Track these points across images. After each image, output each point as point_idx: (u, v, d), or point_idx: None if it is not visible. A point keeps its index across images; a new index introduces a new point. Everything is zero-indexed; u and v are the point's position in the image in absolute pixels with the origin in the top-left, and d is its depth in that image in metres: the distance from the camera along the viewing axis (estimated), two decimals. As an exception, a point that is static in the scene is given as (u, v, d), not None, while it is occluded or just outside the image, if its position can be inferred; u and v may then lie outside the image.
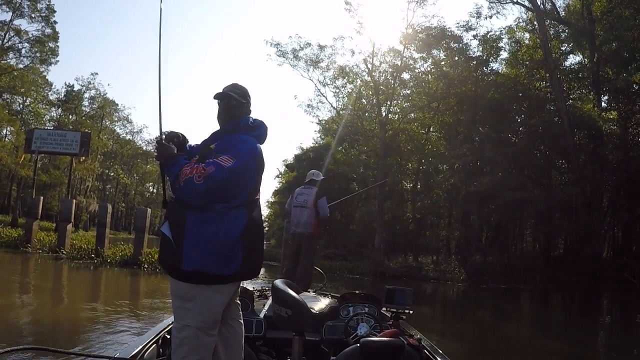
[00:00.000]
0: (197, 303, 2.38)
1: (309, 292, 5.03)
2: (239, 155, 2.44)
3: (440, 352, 3.30)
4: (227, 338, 2.59)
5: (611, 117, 26.27)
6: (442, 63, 31.22)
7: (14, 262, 16.82)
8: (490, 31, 31.39)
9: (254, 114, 2.77)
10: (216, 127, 2.75)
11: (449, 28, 29.51)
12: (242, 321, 2.72)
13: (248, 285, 5.10)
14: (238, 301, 2.73)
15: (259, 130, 2.72)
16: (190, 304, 2.39)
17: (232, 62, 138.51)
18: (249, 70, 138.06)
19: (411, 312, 3.23)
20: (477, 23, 30.43)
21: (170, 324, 3.67)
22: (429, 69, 31.76)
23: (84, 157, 33.55)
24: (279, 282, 2.61)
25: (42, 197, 24.38)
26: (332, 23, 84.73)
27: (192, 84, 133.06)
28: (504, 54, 32.93)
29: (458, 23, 30.11)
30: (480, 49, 31.12)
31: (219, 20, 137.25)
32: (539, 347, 8.65)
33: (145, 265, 17.41)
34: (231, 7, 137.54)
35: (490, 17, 30.30)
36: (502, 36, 31.75)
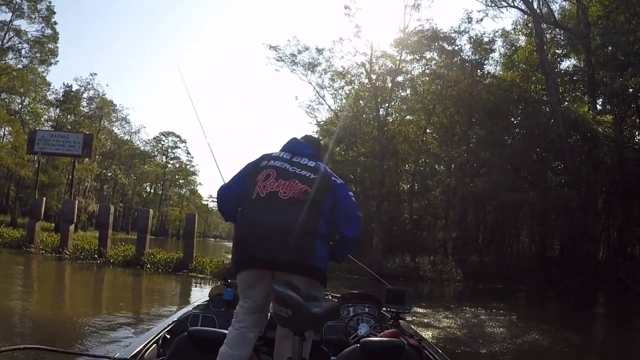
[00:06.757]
0: None
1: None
2: None
3: (440, 352, 3.32)
4: None
5: (606, 120, 26.50)
6: (440, 65, 31.42)
7: (18, 262, 16.95)
8: (483, 33, 31.80)
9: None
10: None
11: (441, 30, 29.83)
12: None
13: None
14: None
15: None
16: None
17: (232, 64, 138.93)
18: (249, 73, 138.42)
19: (410, 311, 3.36)
20: (470, 27, 30.80)
21: (170, 324, 3.77)
22: (423, 70, 32.04)
23: (86, 159, 33.57)
24: (277, 282, 2.60)
25: (44, 198, 24.51)
26: (331, 25, 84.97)
27: (191, 87, 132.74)
28: (496, 55, 33.38)
29: (452, 28, 30.39)
30: (473, 51, 31.49)
31: (218, 24, 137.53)
32: (532, 346, 8.90)
33: (148, 266, 17.61)
34: (231, 10, 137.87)
35: (481, 19, 30.73)
36: (495, 38, 32.15)
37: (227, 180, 3.06)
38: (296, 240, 2.63)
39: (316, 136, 3.22)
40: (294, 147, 2.98)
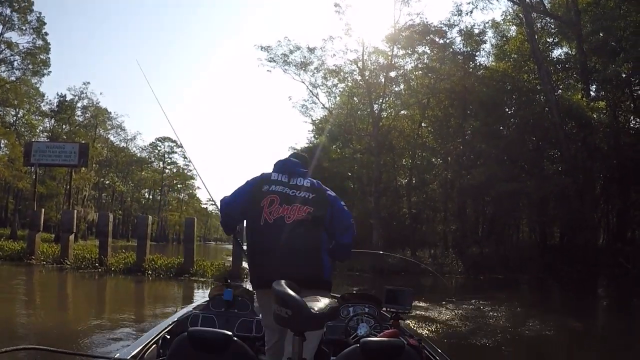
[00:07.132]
0: None
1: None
2: None
3: (440, 351, 3.33)
4: None
5: (600, 106, 26.54)
6: (433, 58, 31.44)
7: (19, 274, 16.95)
8: (473, 25, 31.83)
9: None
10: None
11: (432, 24, 29.85)
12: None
13: (248, 285, 5.25)
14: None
15: None
16: None
17: (230, 68, 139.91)
18: (245, 75, 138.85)
19: (409, 311, 3.38)
20: (460, 20, 30.84)
21: (170, 324, 3.80)
22: (415, 65, 32.07)
23: (83, 168, 33.48)
24: (278, 282, 2.76)
25: (43, 209, 24.50)
26: (322, 24, 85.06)
27: (192, 92, 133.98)
28: (487, 47, 33.45)
29: (440, 22, 30.39)
30: (464, 43, 31.55)
31: (216, 30, 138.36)
32: (534, 335, 8.97)
33: (149, 272, 17.64)
34: (229, 17, 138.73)
35: (471, 11, 30.74)
36: (485, 30, 32.20)
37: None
38: (306, 258, 2.92)
39: (303, 153, 3.46)
40: (288, 168, 3.17)
